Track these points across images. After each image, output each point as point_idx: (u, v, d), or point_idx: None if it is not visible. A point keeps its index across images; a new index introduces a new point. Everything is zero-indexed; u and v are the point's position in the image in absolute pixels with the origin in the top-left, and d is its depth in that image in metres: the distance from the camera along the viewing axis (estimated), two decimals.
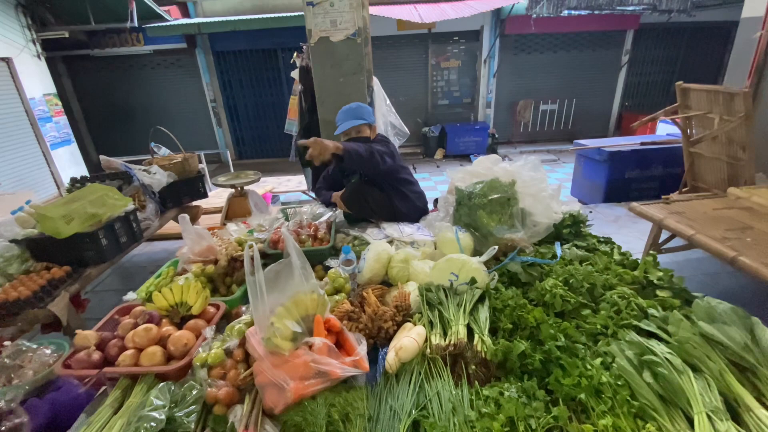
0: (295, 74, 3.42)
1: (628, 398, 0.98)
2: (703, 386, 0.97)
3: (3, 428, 1.30)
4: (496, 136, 8.51)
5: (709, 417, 0.91)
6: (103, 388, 1.25)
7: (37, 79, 6.37)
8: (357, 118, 2.19)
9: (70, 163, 6.97)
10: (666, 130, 5.22)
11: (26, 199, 4.77)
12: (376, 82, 3.16)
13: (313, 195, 5.18)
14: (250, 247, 1.19)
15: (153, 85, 8.25)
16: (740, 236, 2.22)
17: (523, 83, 8.68)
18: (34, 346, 1.69)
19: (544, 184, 1.85)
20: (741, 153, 3.02)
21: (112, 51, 7.68)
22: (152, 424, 0.97)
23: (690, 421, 0.92)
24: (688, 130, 3.43)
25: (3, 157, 5.85)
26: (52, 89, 6.73)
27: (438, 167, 7.83)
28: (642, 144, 4.28)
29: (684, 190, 3.61)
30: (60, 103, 6.86)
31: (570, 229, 1.82)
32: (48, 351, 1.68)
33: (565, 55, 8.54)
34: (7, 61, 5.88)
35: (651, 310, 1.27)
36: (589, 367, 1.06)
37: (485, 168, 1.91)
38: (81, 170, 7.13)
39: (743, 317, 1.10)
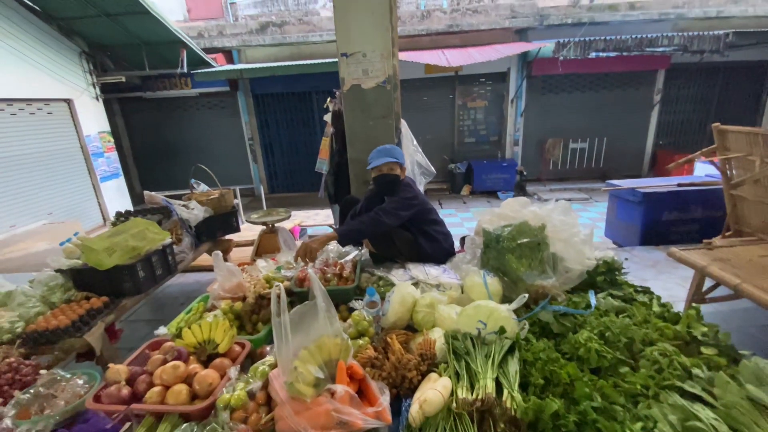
0: (327, 118, 3.60)
1: None
2: None
3: None
4: (525, 173, 8.44)
5: None
6: (129, 424, 1.27)
7: (93, 118, 7.00)
8: (390, 156, 2.28)
9: (117, 195, 7.45)
10: (704, 170, 5.01)
11: (75, 229, 5.11)
12: (403, 124, 3.27)
13: None
14: (278, 287, 1.21)
15: (197, 124, 8.87)
16: None
17: (551, 122, 8.69)
18: (68, 376, 1.75)
19: (576, 228, 1.80)
20: None
21: (162, 93, 8.37)
22: None
23: None
24: (728, 172, 3.28)
25: (57, 188, 6.34)
26: (107, 127, 7.35)
27: (464, 203, 7.80)
28: (679, 185, 4.11)
29: (727, 234, 3.41)
30: (112, 140, 7.46)
31: (605, 276, 1.75)
32: (80, 381, 1.74)
33: (593, 95, 8.54)
34: (68, 102, 6.52)
35: (695, 370, 1.18)
36: (626, 430, 0.98)
37: (514, 210, 1.89)
38: (126, 202, 7.60)
39: None
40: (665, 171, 7.59)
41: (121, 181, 7.65)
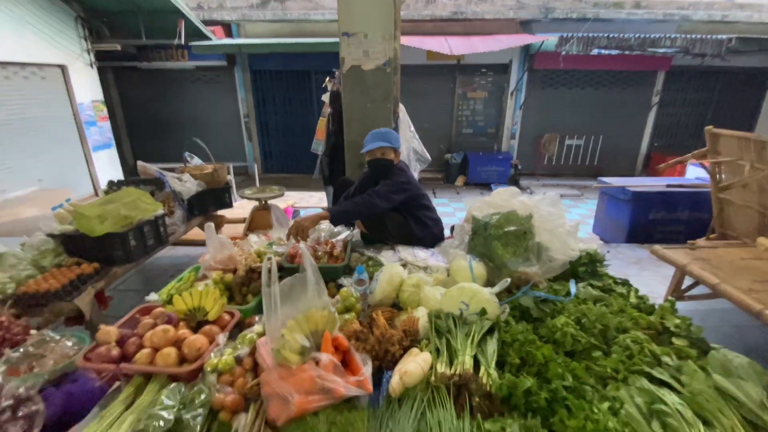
0: (325, 98, 3.58)
1: None
2: None
3: (20, 414, 1.37)
4: (519, 167, 8.49)
5: None
6: (117, 383, 1.30)
7: (87, 86, 6.85)
8: (384, 141, 2.29)
9: (108, 165, 7.36)
10: (695, 173, 5.10)
11: (66, 197, 5.06)
12: (402, 109, 3.26)
13: None
14: (269, 260, 1.24)
15: (192, 98, 8.72)
16: None
17: (549, 117, 8.71)
18: (57, 337, 1.78)
19: (562, 219, 1.85)
20: None
21: (158, 64, 8.20)
22: (161, 423, 1.01)
23: None
24: (718, 176, 3.35)
25: (49, 155, 6.25)
26: (100, 96, 7.21)
27: (458, 194, 7.85)
28: (668, 186, 4.19)
29: (711, 236, 3.50)
30: (105, 109, 7.33)
31: (586, 267, 1.80)
32: (69, 343, 1.77)
33: (593, 92, 8.55)
34: (62, 68, 6.37)
35: (665, 358, 1.24)
36: (596, 410, 1.04)
37: (503, 200, 1.93)
38: (117, 173, 7.52)
39: (760, 373, 1.07)
40: (657, 172, 7.70)
41: (113, 152, 7.54)
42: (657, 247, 2.67)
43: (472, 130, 8.89)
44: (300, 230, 2.10)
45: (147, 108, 8.76)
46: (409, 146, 3.22)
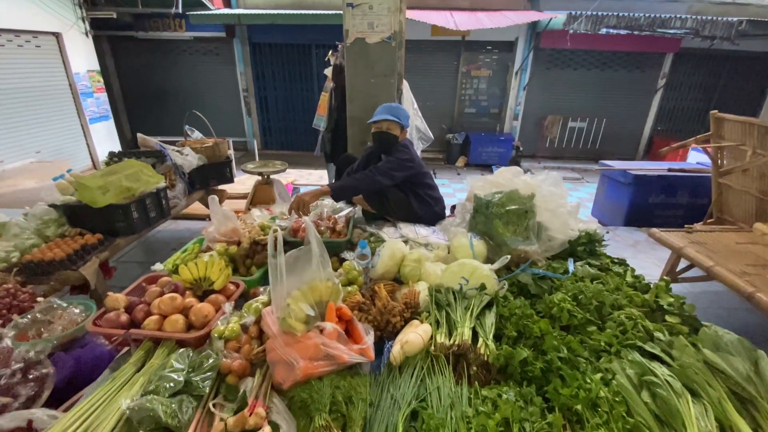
0: (328, 72, 3.52)
1: (624, 414, 1.00)
2: (700, 411, 0.99)
3: (31, 376, 1.41)
4: (521, 149, 8.44)
5: None
6: (126, 348, 1.34)
7: (83, 56, 6.69)
8: (392, 115, 2.28)
9: (106, 138, 7.28)
10: (697, 158, 5.10)
11: (65, 168, 5.04)
12: (405, 85, 3.22)
13: None
14: (275, 231, 1.26)
15: (190, 70, 8.54)
16: (761, 273, 2.17)
17: (553, 98, 8.59)
18: (65, 305, 1.82)
19: (563, 200, 1.87)
20: None
21: (154, 34, 7.98)
22: (171, 384, 1.05)
23: None
24: (719, 161, 3.36)
25: (46, 127, 6.17)
26: (96, 66, 7.05)
27: (458, 174, 7.83)
28: (670, 170, 4.19)
29: (709, 221, 3.53)
30: (102, 80, 7.19)
31: (585, 247, 1.83)
32: (77, 310, 1.81)
33: (599, 73, 8.41)
34: (57, 36, 6.20)
35: (657, 334, 1.29)
36: (588, 380, 1.08)
37: (506, 179, 1.94)
38: (115, 146, 7.44)
39: (749, 349, 1.11)
40: (659, 156, 7.68)
41: (110, 125, 7.45)
42: (655, 230, 2.70)
43: (475, 109, 8.78)
44: (301, 205, 2.12)
45: (144, 80, 8.59)
46: (412, 124, 3.19)
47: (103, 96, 7.25)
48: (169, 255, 1.95)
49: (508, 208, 1.77)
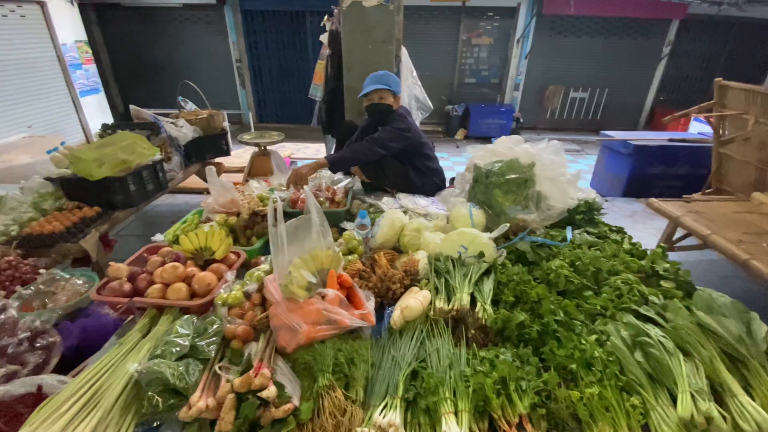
0: (324, 38, 3.40)
1: (617, 373, 1.04)
2: (691, 369, 1.02)
3: (38, 345, 1.44)
4: (521, 120, 8.32)
5: (692, 396, 0.96)
6: (131, 316, 1.36)
7: (69, 25, 6.45)
8: (382, 84, 2.22)
9: (98, 112, 7.13)
10: (698, 129, 5.04)
11: (58, 142, 4.96)
12: (404, 52, 3.13)
13: None
14: (275, 201, 1.25)
15: (180, 39, 8.25)
16: (757, 241, 2.20)
17: (555, 67, 8.39)
18: (67, 276, 1.83)
19: (564, 168, 1.86)
20: None
21: (142, 1, 7.67)
22: (177, 348, 1.08)
23: (674, 400, 0.98)
24: (721, 130, 3.32)
25: (35, 101, 6.02)
26: (83, 36, 6.81)
27: (457, 147, 7.76)
28: (670, 140, 4.15)
29: (707, 191, 3.54)
30: (90, 51, 6.95)
31: (583, 215, 1.84)
32: (80, 281, 1.82)
33: (602, 41, 8.18)
34: (41, 4, 5.95)
35: (652, 297, 1.31)
36: (583, 342, 1.11)
37: (506, 148, 1.92)
38: (107, 119, 7.30)
39: (742, 311, 1.13)
40: (661, 127, 7.60)
41: (101, 97, 7.27)
42: (653, 200, 2.71)
43: (475, 79, 8.58)
44: (299, 178, 2.10)
45: (133, 50, 8.31)
46: (411, 93, 3.12)
47: (93, 68, 7.03)
48: (168, 228, 1.96)
49: (507, 177, 1.76)
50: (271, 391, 0.95)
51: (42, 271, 1.84)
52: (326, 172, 2.26)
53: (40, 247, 2.06)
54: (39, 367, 1.40)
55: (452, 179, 2.63)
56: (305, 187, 1.82)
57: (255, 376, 0.98)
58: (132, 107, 3.24)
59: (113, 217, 2.38)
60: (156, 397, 0.97)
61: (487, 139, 8.12)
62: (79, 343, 1.61)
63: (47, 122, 6.26)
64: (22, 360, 1.38)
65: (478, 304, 1.28)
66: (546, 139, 1.93)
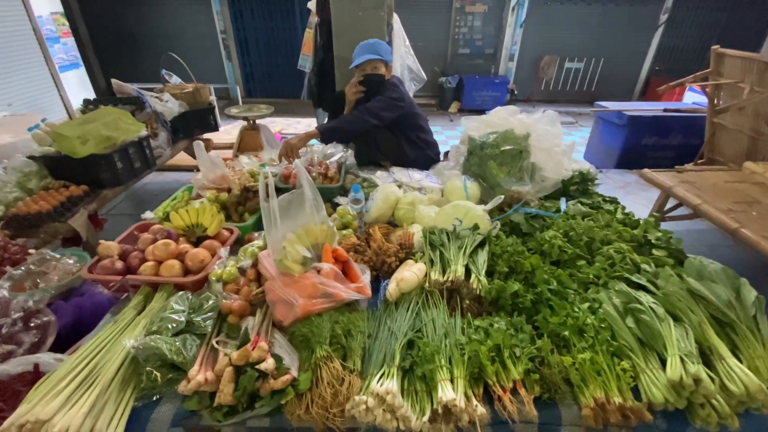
0: (311, 5, 3.25)
1: (609, 338, 1.06)
2: (681, 334, 1.05)
3: (32, 324, 1.44)
4: (516, 92, 8.19)
5: (681, 359, 0.98)
6: (125, 294, 1.36)
7: None
8: (374, 53, 2.14)
9: (79, 87, 6.86)
10: (693, 99, 5.00)
11: (39, 120, 4.79)
12: (396, 20, 3.01)
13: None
14: (266, 176, 1.23)
15: (162, 10, 7.87)
16: (746, 210, 2.23)
17: (550, 37, 8.19)
18: (58, 256, 1.81)
19: (559, 139, 1.84)
20: (765, 127, 2.93)
21: None
22: (173, 324, 1.08)
23: (664, 363, 1.01)
24: (716, 99, 3.30)
25: (13, 77, 5.77)
26: (59, 8, 6.46)
27: (451, 121, 7.65)
28: (665, 110, 4.13)
29: (699, 161, 3.55)
30: (67, 23, 6.62)
31: (578, 186, 1.84)
32: (71, 261, 1.80)
33: (599, 8, 7.96)
34: None
35: (644, 266, 1.33)
36: (576, 309, 1.13)
37: (501, 118, 1.89)
38: (89, 95, 7.03)
39: (732, 277, 1.15)
40: (656, 98, 7.54)
41: (82, 72, 6.98)
42: (646, 170, 2.71)
43: (469, 50, 8.37)
44: (290, 150, 2.06)
45: (112, 21, 7.92)
46: (404, 63, 3.03)
47: (71, 41, 6.71)
48: (159, 206, 1.92)
49: (502, 149, 1.74)
50: (269, 364, 0.96)
51: (32, 251, 1.81)
52: (318, 146, 2.21)
53: (28, 228, 2.03)
54: (35, 346, 1.40)
55: (446, 153, 2.60)
56: (297, 161, 1.78)
57: (253, 350, 0.99)
58: (114, 81, 3.12)
59: (102, 196, 2.33)
60: (154, 372, 0.98)
61: (481, 112, 7.96)
62: (74, 322, 1.61)
63: (28, 100, 6.02)
64: (18, 340, 1.38)
65: (473, 275, 1.29)
66: (542, 109, 1.90)
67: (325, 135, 2.08)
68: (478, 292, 1.22)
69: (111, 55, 8.26)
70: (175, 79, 3.46)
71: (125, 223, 3.16)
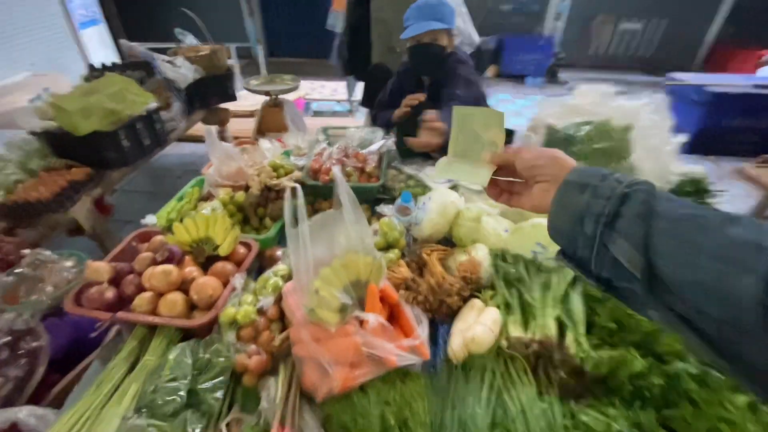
0: None
1: None
2: None
3: (21, 351, 1.21)
4: (561, 55, 7.36)
5: None
6: (117, 328, 1.10)
7: None
8: (436, 20, 1.64)
9: (100, 45, 6.57)
10: None
11: (62, 81, 4.55)
12: None
13: (348, 107, 4.72)
14: (293, 190, 0.90)
15: None
16: None
17: None
18: (54, 257, 1.57)
19: (666, 133, 1.41)
20: None
21: None
22: (171, 397, 0.80)
23: None
24: None
25: (32, 36, 5.50)
26: None
27: (488, 88, 6.99)
28: (756, 86, 3.47)
29: None
30: None
31: (690, 198, 1.42)
32: (68, 264, 1.56)
33: None
34: None
35: None
36: (728, 405, 0.79)
37: (592, 103, 1.46)
38: (111, 54, 6.75)
39: None
40: (720, 69, 6.61)
41: (102, 29, 6.66)
42: (746, 166, 2.23)
43: (512, 6, 7.49)
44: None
45: None
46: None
47: None
48: (176, 183, 1.64)
49: (595, 146, 1.33)
50: None
51: (26, 251, 1.58)
52: (353, 131, 1.83)
53: (26, 218, 1.80)
54: (22, 381, 1.18)
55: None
56: (335, 169, 1.38)
57: None
58: (123, 43, 2.79)
59: (106, 179, 2.07)
60: None
61: (519, 78, 7.26)
62: (70, 343, 1.39)
63: (49, 59, 5.77)
64: (2, 373, 1.16)
65: (569, 334, 0.95)
66: (647, 92, 1.46)
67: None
68: (578, 362, 0.90)
69: (132, 10, 7.84)
70: (189, 39, 3.07)
71: (139, 201, 2.93)
